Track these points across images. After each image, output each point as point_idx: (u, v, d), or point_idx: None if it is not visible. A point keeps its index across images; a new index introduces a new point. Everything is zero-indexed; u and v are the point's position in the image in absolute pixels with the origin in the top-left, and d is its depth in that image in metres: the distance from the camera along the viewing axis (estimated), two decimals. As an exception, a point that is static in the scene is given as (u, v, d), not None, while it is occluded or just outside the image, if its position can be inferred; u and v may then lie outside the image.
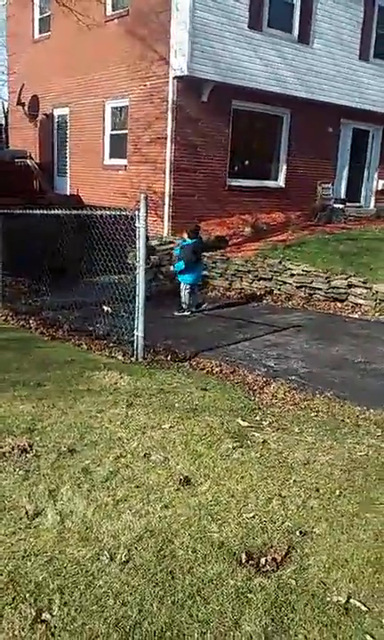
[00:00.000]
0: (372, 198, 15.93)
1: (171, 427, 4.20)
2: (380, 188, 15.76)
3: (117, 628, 2.30)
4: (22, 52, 16.80)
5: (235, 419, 4.42)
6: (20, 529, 2.92)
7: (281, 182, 13.82)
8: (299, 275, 9.58)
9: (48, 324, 7.58)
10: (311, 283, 9.41)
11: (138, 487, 3.34)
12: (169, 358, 6.11)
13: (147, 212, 5.78)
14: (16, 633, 2.26)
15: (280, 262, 9.91)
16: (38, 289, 9.29)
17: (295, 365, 6.12)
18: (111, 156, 13.81)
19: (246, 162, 13.34)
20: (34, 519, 3.00)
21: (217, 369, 5.88)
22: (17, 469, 3.51)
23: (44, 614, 2.36)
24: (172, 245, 11.27)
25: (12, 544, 2.80)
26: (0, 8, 18.25)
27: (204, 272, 9.73)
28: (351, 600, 2.49)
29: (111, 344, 6.52)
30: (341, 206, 13.77)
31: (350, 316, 8.62)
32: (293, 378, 5.64)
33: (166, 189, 11.91)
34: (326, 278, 9.25)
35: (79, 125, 14.77)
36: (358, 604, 2.48)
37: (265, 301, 9.64)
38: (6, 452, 3.72)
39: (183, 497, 3.25)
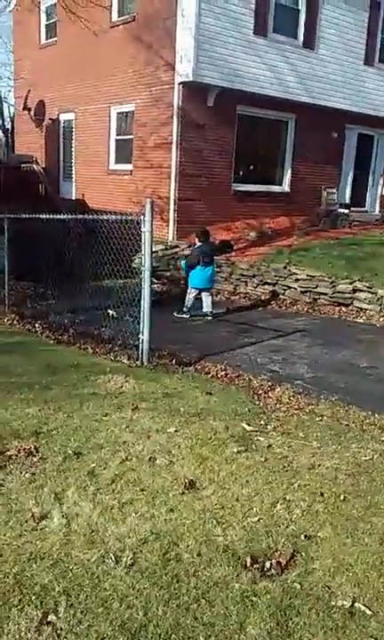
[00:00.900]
0: (377, 203, 15.96)
1: (176, 430, 4.21)
2: (384, 193, 15.79)
3: (123, 630, 2.31)
4: (29, 58, 16.93)
5: (240, 423, 4.43)
6: (26, 531, 2.93)
7: (286, 187, 13.86)
8: (303, 279, 9.60)
9: (54, 327, 7.61)
10: (316, 287, 9.42)
11: (143, 490, 3.36)
12: (174, 362, 6.13)
13: (152, 217, 5.81)
14: (22, 635, 2.28)
15: (285, 267, 9.93)
16: (44, 293, 9.33)
17: (300, 370, 6.13)
18: (117, 161, 13.88)
19: (251, 167, 13.39)
20: (40, 522, 3.02)
21: (222, 373, 5.89)
22: (23, 472, 3.53)
23: (50, 616, 2.37)
24: (176, 250, 11.31)
25: (19, 546, 2.81)
26: (7, 14, 18.39)
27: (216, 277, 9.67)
28: (356, 604, 2.50)
29: (116, 348, 6.54)
30: (346, 211, 13.79)
31: (355, 320, 8.62)
32: (298, 382, 5.64)
33: (171, 194, 11.97)
34: (331, 283, 9.25)
35: (85, 130, 14.86)
36: (363, 607, 2.48)
37: (269, 306, 9.66)
38: (13, 454, 3.74)
39: (188, 500, 3.26)
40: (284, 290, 9.84)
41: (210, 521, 3.07)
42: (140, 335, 6.01)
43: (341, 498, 3.34)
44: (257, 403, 5.00)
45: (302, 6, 12.53)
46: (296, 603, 2.50)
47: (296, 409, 4.89)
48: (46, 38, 16.19)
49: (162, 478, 3.50)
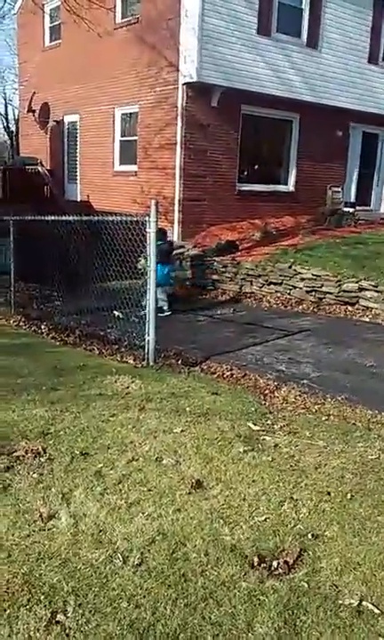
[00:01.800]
0: (383, 202, 15.91)
1: (182, 431, 4.22)
2: (390, 192, 15.75)
3: (131, 629, 2.32)
4: (33, 60, 16.99)
5: (246, 423, 4.44)
6: (34, 532, 2.95)
7: (291, 186, 13.85)
8: (309, 279, 9.59)
9: (59, 329, 7.64)
10: (321, 287, 9.41)
11: (150, 490, 3.37)
12: (180, 363, 6.14)
13: (157, 218, 5.82)
14: (31, 634, 2.29)
15: (290, 266, 9.93)
16: (50, 294, 9.36)
17: (306, 369, 6.13)
18: (121, 163, 13.91)
19: (256, 166, 13.38)
20: (48, 522, 3.03)
21: (228, 373, 5.90)
22: (31, 473, 3.55)
23: (58, 616, 2.38)
24: (182, 250, 11.32)
25: (27, 546, 2.83)
26: (11, 17, 18.47)
27: (172, 273, 9.69)
28: (363, 602, 2.50)
29: (122, 349, 6.56)
30: (351, 210, 13.75)
31: (361, 319, 8.60)
32: (304, 382, 5.64)
33: (176, 195, 11.98)
34: (337, 282, 9.24)
35: (89, 132, 14.89)
36: (371, 606, 2.48)
37: (274, 305, 9.65)
38: (20, 455, 3.76)
39: (195, 500, 3.27)
40: (290, 289, 9.83)
41: (217, 520, 3.07)
42: (146, 336, 6.02)
43: (348, 497, 3.34)
44: (263, 402, 5.01)
45: (306, 5, 12.52)
46: (304, 601, 2.50)
47: (302, 408, 4.89)
48: (50, 40, 16.24)
49: (168, 478, 3.52)
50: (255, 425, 4.40)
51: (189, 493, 3.34)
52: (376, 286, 8.83)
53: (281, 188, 13.75)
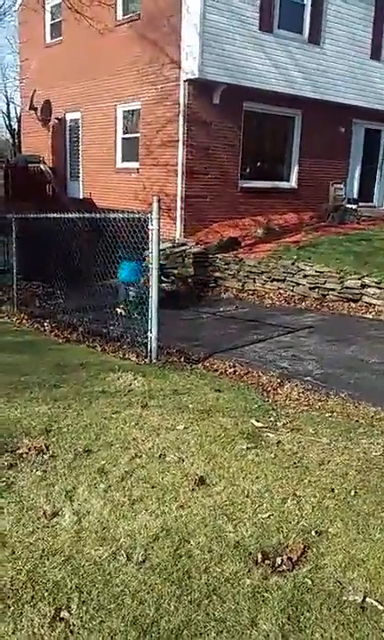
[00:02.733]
0: (385, 198, 15.88)
1: (185, 427, 4.22)
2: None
3: (135, 625, 2.32)
4: (34, 58, 16.95)
5: (249, 419, 4.44)
6: (37, 528, 2.96)
7: (293, 183, 13.81)
8: (312, 275, 9.57)
9: (62, 326, 7.64)
10: (324, 283, 9.39)
11: (153, 487, 3.37)
12: (182, 360, 6.14)
13: (159, 215, 5.81)
14: (36, 631, 2.30)
15: (293, 263, 9.91)
16: (52, 292, 9.36)
17: (309, 366, 6.12)
18: (123, 160, 13.88)
19: (258, 163, 13.35)
20: (51, 519, 3.04)
21: (230, 370, 5.90)
22: (34, 470, 3.56)
23: (62, 612, 2.39)
24: (184, 248, 11.31)
25: (31, 543, 2.83)
26: (12, 14, 18.44)
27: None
28: (367, 599, 2.50)
29: (125, 346, 6.55)
30: (354, 206, 13.72)
31: (364, 316, 8.59)
32: (307, 379, 5.63)
33: (178, 192, 11.95)
34: (339, 279, 9.22)
35: (91, 129, 14.87)
36: (375, 602, 2.48)
37: (277, 302, 9.64)
38: (23, 452, 3.77)
39: (198, 497, 3.27)
40: (293, 286, 9.81)
41: (220, 517, 3.07)
42: (149, 333, 6.02)
43: (352, 493, 3.34)
44: (266, 399, 5.00)
45: (307, 1, 12.47)
46: (307, 598, 2.50)
47: (305, 405, 4.88)
48: (51, 38, 16.20)
49: (172, 475, 3.52)
50: (258, 422, 4.40)
51: (193, 490, 3.34)
52: (379, 283, 8.81)
53: (283, 184, 13.72)
